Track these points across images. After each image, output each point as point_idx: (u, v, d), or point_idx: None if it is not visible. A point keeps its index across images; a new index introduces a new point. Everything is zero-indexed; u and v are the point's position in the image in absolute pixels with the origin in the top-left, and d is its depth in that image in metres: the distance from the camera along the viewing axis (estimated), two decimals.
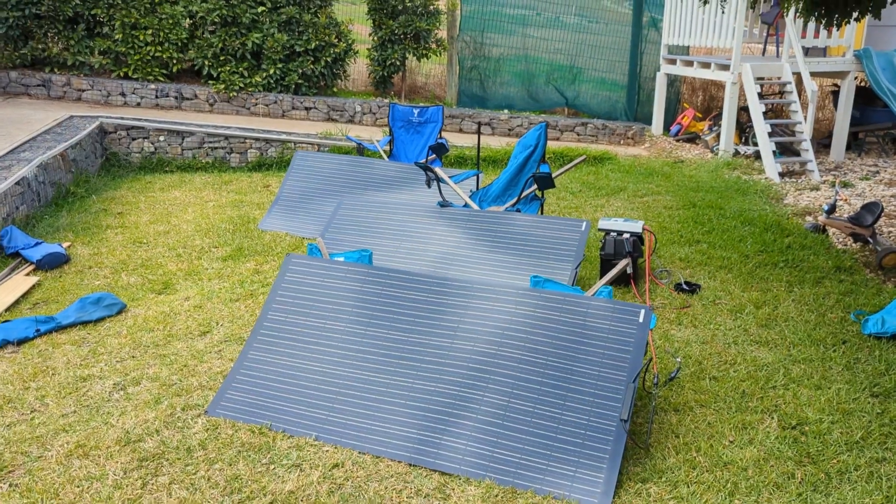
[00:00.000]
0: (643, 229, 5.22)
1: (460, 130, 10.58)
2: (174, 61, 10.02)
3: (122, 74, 9.94)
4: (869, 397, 3.79)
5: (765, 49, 10.56)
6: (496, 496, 2.99)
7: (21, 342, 4.36)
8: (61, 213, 6.87)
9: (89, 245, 6.08)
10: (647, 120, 11.25)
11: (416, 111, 7.74)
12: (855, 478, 3.14)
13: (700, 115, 11.10)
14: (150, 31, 9.76)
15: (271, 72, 10.07)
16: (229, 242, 6.16)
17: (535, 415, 3.17)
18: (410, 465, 3.20)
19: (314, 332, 3.72)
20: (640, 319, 3.30)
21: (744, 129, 10.00)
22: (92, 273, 5.48)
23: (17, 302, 4.95)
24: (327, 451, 3.28)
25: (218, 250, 5.99)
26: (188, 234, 6.42)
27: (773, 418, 3.56)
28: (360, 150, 7.73)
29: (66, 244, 5.98)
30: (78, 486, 3.03)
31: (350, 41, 10.58)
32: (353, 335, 3.66)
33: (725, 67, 9.32)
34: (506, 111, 10.97)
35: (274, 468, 3.14)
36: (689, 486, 3.03)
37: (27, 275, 5.39)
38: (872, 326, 4.49)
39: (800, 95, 9.61)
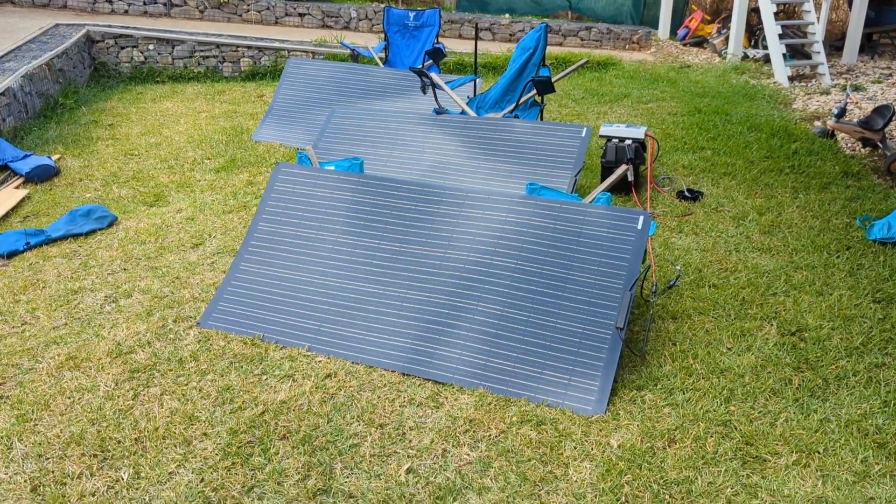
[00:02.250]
0: (646, 135, 5.06)
1: (459, 36, 10.24)
2: None
3: None
4: (871, 303, 3.72)
5: None
6: (489, 404, 2.97)
7: (11, 255, 4.30)
8: (50, 124, 6.70)
9: (79, 157, 5.95)
10: (654, 23, 10.86)
11: (411, 15, 7.44)
12: (853, 383, 3.11)
13: (709, 18, 10.70)
14: None
15: None
16: (222, 154, 6.03)
17: (529, 324, 3.12)
18: (403, 374, 3.17)
19: (305, 243, 3.64)
20: (639, 226, 3.20)
21: (754, 32, 9.65)
22: (82, 185, 5.38)
23: (6, 215, 4.87)
24: (320, 361, 3.25)
25: (210, 162, 5.86)
26: (180, 145, 6.27)
27: (772, 325, 3.50)
28: (355, 56, 7.48)
29: (55, 156, 5.85)
30: (69, 398, 3.02)
31: None
32: (345, 245, 3.58)
33: None
34: (507, 15, 10.59)
35: (266, 378, 3.12)
36: (684, 393, 3.00)
37: (16, 188, 5.29)
38: (878, 231, 4.39)
39: None
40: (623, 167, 3.24)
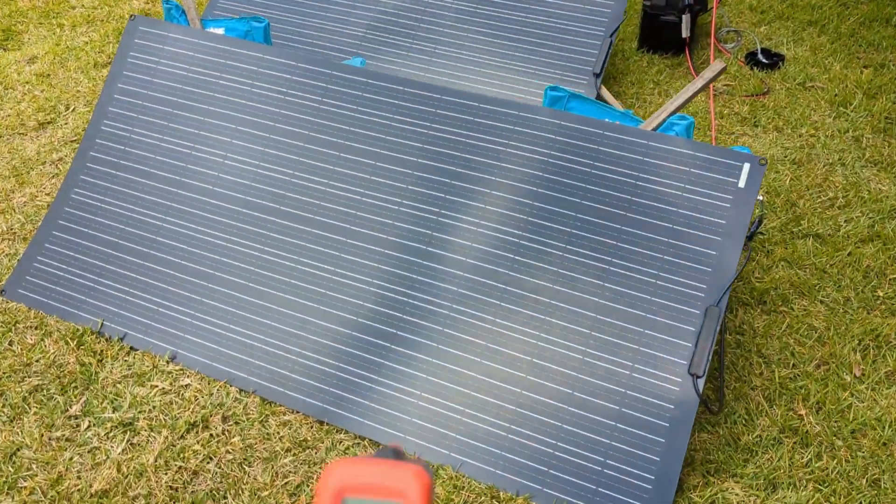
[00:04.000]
0: None
1: None
2: None
3: None
4: None
5: None
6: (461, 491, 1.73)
7: None
8: None
9: None
10: None
11: None
12: None
13: None
14: None
15: None
16: None
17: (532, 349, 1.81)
18: (324, 424, 1.90)
19: (177, 165, 2.21)
20: (741, 181, 1.80)
21: None
22: None
23: None
24: (188, 385, 1.96)
25: None
26: None
27: None
28: None
29: None
30: None
31: None
32: (243, 174, 2.15)
33: None
34: None
35: (86, 431, 1.84)
36: (796, 487, 1.75)
37: None
38: None
39: None
40: (718, 64, 1.79)
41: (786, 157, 2.90)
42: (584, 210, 1.86)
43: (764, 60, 3.48)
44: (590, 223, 1.85)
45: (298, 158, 2.11)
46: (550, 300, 1.83)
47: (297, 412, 1.88)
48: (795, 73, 3.43)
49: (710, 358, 1.71)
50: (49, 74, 3.37)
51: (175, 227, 2.15)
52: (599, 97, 2.90)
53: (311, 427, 1.86)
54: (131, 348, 2.04)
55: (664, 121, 1.89)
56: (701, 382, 1.69)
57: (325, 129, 2.11)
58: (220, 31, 2.38)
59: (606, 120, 1.96)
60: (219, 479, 1.73)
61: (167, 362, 2.00)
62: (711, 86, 3.31)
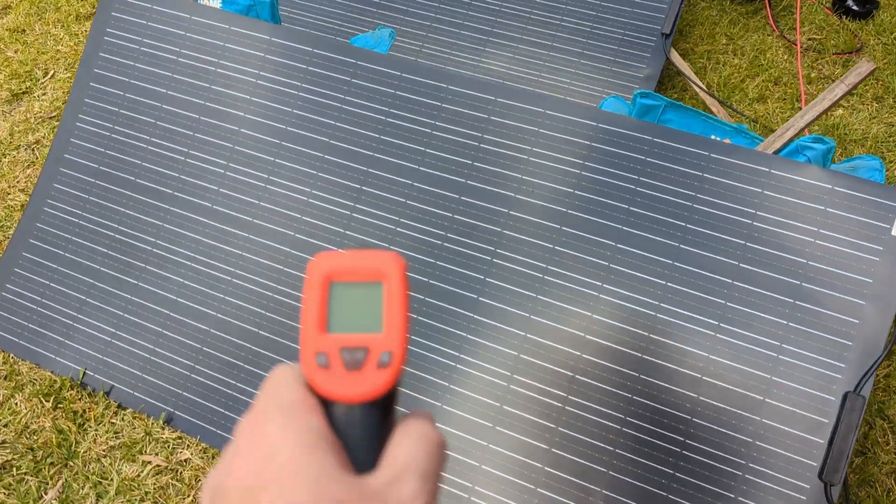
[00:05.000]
0: None
1: None
2: None
3: None
4: None
5: None
6: None
7: None
8: None
9: None
10: None
11: None
12: None
13: None
14: None
15: None
16: None
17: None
18: None
19: (165, 171, 1.80)
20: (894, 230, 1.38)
21: None
22: None
23: None
24: (187, 459, 1.62)
25: None
26: None
27: None
28: None
29: None
30: None
31: None
32: (260, 192, 1.74)
33: None
34: None
35: None
36: None
37: None
38: None
39: None
40: (866, 66, 1.35)
41: (891, 136, 2.44)
42: (683, 257, 1.45)
43: (855, 8, 2.96)
44: (688, 275, 1.44)
45: (314, 172, 1.69)
46: (638, 373, 1.44)
47: None
48: (892, 18, 2.92)
49: (849, 460, 1.33)
50: (24, 30, 2.92)
51: (169, 252, 1.76)
52: (669, 64, 2.42)
53: None
54: (119, 406, 1.69)
55: (791, 140, 1.45)
56: (836, 491, 1.32)
57: (350, 137, 1.69)
58: (217, 4, 1.92)
59: (714, 138, 1.52)
60: None
61: (162, 427, 1.65)
62: (799, 41, 2.81)
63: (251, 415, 0.44)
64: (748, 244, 1.43)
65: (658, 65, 2.38)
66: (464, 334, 1.53)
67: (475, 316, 1.54)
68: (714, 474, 1.38)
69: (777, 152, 1.46)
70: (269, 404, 0.44)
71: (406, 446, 0.43)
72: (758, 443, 1.37)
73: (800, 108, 2.55)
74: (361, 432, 0.44)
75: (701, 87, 2.26)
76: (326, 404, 0.45)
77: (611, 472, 1.41)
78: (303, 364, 0.46)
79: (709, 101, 2.31)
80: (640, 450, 1.41)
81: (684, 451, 1.40)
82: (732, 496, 1.36)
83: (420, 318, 1.57)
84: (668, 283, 1.45)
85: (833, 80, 2.67)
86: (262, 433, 0.42)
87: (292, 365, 0.47)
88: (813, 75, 2.71)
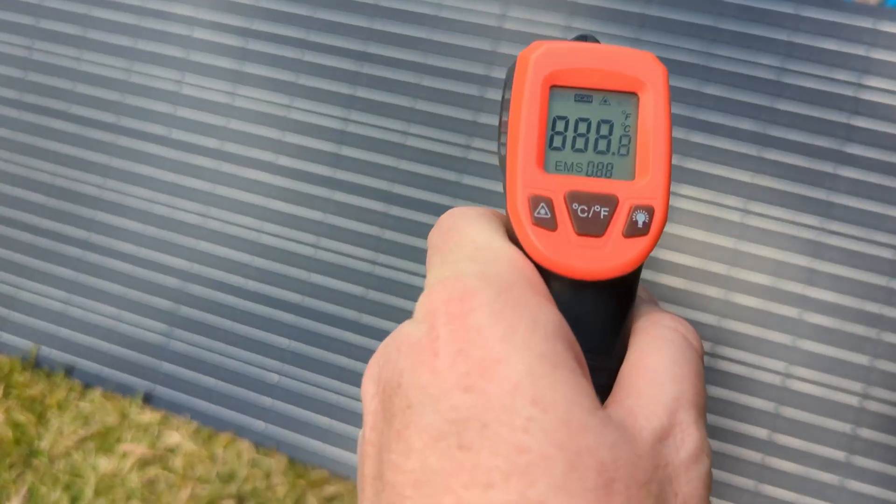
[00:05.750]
0: None
1: None
2: None
3: None
4: None
5: None
6: None
7: None
8: None
9: None
10: None
11: None
12: None
13: None
14: None
15: None
16: None
17: None
18: None
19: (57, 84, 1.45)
20: None
21: None
22: None
23: None
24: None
25: None
26: None
27: None
28: None
29: None
30: None
31: None
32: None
33: None
34: None
35: None
36: None
37: None
38: None
39: None
40: None
41: None
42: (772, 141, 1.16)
43: None
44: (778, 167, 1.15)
45: (292, 79, 1.35)
46: None
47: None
48: None
49: None
50: None
51: (122, 194, 1.43)
52: None
53: None
54: (85, 387, 1.39)
55: None
56: None
57: (335, 26, 1.34)
58: None
59: None
60: None
61: (141, 407, 1.36)
62: None
63: (440, 287, 0.27)
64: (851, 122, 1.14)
65: None
66: None
67: None
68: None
69: (883, 3, 1.16)
70: (470, 273, 0.27)
71: (667, 356, 0.28)
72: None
73: None
74: (593, 327, 0.30)
75: None
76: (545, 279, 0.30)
77: None
78: (512, 217, 0.31)
79: None
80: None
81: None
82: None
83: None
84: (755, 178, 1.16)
85: None
86: (466, 326, 0.25)
87: (482, 210, 0.32)
88: None
